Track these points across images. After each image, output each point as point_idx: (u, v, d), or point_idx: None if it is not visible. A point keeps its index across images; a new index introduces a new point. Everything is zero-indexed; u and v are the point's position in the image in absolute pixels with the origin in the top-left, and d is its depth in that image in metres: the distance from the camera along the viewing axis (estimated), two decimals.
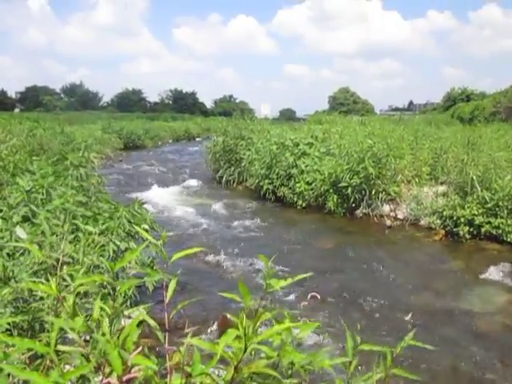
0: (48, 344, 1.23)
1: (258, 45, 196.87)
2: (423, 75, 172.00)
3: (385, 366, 1.58)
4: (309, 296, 1.99)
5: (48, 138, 13.20)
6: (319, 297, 1.93)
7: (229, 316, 1.60)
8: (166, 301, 1.41)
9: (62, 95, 77.95)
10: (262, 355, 1.48)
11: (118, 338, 1.23)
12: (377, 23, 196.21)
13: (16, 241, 3.60)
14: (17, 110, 62.20)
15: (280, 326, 1.37)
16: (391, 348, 1.61)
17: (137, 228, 2.13)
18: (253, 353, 1.44)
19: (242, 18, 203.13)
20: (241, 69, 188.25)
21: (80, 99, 74.72)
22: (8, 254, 3.46)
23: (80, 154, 6.92)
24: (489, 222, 8.83)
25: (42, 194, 5.18)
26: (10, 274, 3.16)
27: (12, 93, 73.18)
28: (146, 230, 5.86)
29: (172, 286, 1.44)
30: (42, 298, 2.63)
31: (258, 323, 1.30)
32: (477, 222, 8.87)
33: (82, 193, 5.84)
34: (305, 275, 1.72)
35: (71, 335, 1.26)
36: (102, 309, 1.39)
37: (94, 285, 1.60)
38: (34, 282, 2.46)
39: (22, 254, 3.49)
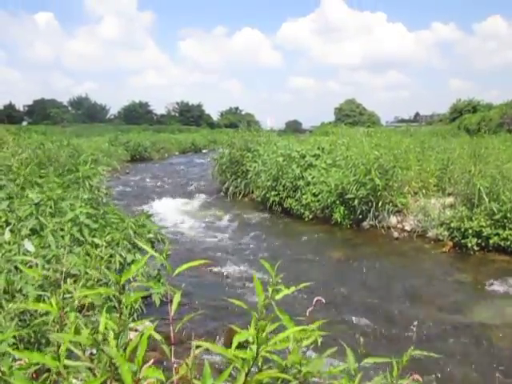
0: (56, 358, 1.23)
1: (263, 57, 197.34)
2: (429, 87, 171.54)
3: (391, 378, 1.57)
4: (314, 300, 1.99)
5: (56, 150, 13.29)
6: (324, 300, 1.92)
7: (236, 328, 1.59)
8: (171, 314, 1.41)
9: (70, 108, 78.64)
10: (271, 364, 1.47)
11: (126, 351, 1.23)
12: (381, 35, 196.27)
13: (24, 254, 3.61)
14: (24, 123, 62.74)
15: (291, 330, 1.36)
16: (397, 359, 1.60)
17: (138, 242, 2.13)
18: (260, 362, 1.43)
19: (246, 31, 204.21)
20: (246, 81, 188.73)
21: (87, 112, 75.35)
22: (16, 268, 3.47)
23: (88, 166, 6.96)
24: (497, 234, 8.76)
25: (51, 207, 5.21)
26: (17, 287, 3.17)
27: (20, 106, 73.97)
28: (152, 242, 5.88)
29: (176, 299, 1.44)
30: (46, 313, 2.63)
31: (266, 330, 1.30)
32: (485, 233, 8.80)
33: (90, 204, 5.86)
34: (308, 283, 1.71)
35: (76, 351, 1.26)
36: (107, 323, 1.39)
37: (99, 298, 1.60)
38: (38, 297, 2.47)
39: (30, 267, 3.50)
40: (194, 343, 1.37)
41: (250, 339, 1.27)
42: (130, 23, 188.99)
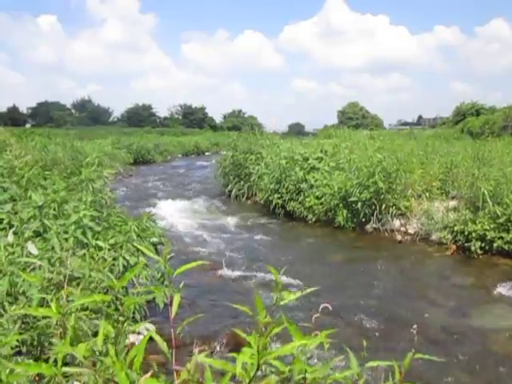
0: (55, 362, 1.22)
1: (265, 60, 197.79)
2: (432, 90, 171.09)
3: (394, 382, 1.56)
4: (321, 307, 1.98)
5: (59, 153, 13.33)
6: (331, 307, 1.91)
7: (238, 332, 1.59)
8: (172, 316, 1.40)
9: (73, 111, 78.82)
10: (272, 369, 1.46)
11: (126, 356, 1.22)
12: (384, 38, 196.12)
13: (27, 256, 3.61)
14: (28, 126, 62.89)
15: (297, 343, 1.35)
16: (399, 363, 1.58)
17: (138, 246, 2.13)
18: (263, 368, 1.42)
19: (249, 34, 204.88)
20: (249, 84, 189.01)
21: (90, 114, 75.49)
22: (19, 270, 3.47)
23: (92, 168, 6.97)
24: (501, 237, 8.72)
25: (54, 209, 5.21)
26: (20, 289, 3.17)
27: (23, 108, 74.14)
28: (155, 245, 5.88)
29: (176, 301, 1.43)
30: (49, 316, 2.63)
31: (268, 339, 1.29)
32: (488, 237, 8.77)
33: (93, 207, 5.86)
34: (314, 288, 1.71)
35: (77, 355, 1.25)
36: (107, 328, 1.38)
37: (99, 303, 1.59)
38: (42, 300, 2.46)
39: (33, 270, 3.50)
40: (196, 353, 1.36)
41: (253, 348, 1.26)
42: (133, 26, 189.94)
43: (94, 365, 1.32)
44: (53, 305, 1.34)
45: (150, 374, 1.17)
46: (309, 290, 1.60)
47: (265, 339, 1.21)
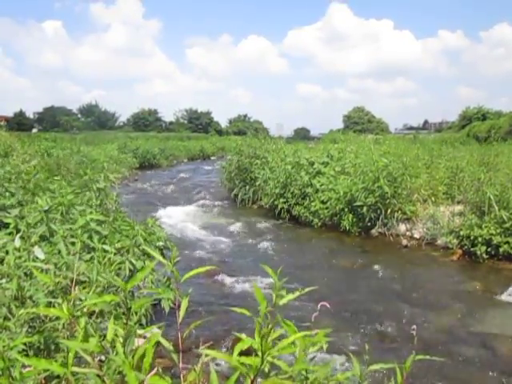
0: (64, 364, 1.24)
1: (270, 64, 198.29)
2: (437, 94, 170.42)
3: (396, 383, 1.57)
4: (319, 305, 1.99)
5: (66, 158, 13.41)
6: (328, 305, 1.93)
7: (240, 336, 1.60)
8: (179, 321, 1.41)
9: (79, 115, 79.01)
10: (276, 371, 1.47)
11: (133, 358, 1.23)
12: (389, 42, 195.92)
13: (34, 260, 3.64)
14: (35, 130, 63.06)
15: (295, 336, 1.36)
16: (400, 365, 1.60)
17: (147, 249, 2.14)
18: (266, 369, 1.43)
19: (252, 38, 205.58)
20: (254, 88, 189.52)
21: (97, 119, 75.66)
22: (25, 274, 3.50)
23: (98, 173, 7.02)
24: (507, 242, 8.70)
25: (61, 214, 5.24)
26: (27, 293, 3.19)
27: (30, 113, 74.36)
28: (161, 249, 5.90)
29: (184, 305, 1.45)
30: (57, 318, 2.65)
31: (272, 336, 1.30)
32: (494, 241, 8.74)
33: (100, 211, 5.89)
34: (312, 288, 1.72)
35: (86, 356, 1.27)
36: (115, 329, 1.39)
37: (107, 304, 1.61)
38: (48, 304, 2.48)
39: (40, 273, 3.52)
40: (202, 350, 1.38)
41: (256, 346, 1.27)
42: (137, 31, 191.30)
43: (101, 368, 1.34)
44: (63, 305, 1.36)
45: (154, 371, 1.19)
46: (307, 289, 1.61)
47: (267, 334, 1.22)
